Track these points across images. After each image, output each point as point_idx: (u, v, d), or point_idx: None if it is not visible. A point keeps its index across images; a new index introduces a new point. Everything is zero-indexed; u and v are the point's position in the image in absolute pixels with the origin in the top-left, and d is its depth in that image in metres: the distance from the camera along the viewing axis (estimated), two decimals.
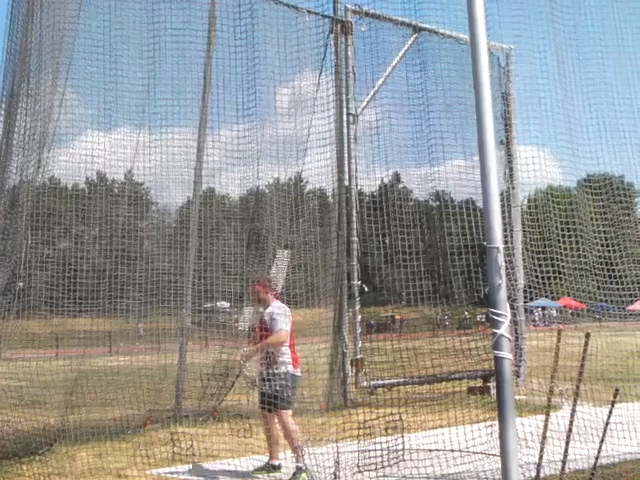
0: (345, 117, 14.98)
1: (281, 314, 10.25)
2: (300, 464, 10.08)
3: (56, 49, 12.25)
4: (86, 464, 10.24)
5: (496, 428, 6.61)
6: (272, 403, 10.08)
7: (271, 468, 10.46)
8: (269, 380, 10.14)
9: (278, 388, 10.14)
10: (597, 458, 8.01)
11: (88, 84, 13.55)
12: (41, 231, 13.66)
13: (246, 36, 12.82)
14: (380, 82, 13.39)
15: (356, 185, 15.04)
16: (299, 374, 10.54)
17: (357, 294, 14.93)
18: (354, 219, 15.11)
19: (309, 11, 13.92)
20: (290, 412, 10.21)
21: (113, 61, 12.95)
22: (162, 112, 13.33)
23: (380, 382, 12.39)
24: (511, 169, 10.79)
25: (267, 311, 10.41)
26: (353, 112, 14.92)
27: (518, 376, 10.92)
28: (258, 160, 13.18)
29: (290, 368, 10.35)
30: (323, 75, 14.09)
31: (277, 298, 10.80)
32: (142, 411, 12.80)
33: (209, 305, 16.10)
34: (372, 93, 13.67)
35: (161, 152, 13.88)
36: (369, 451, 9.35)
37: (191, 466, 10.01)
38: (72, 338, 14.98)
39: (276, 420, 10.17)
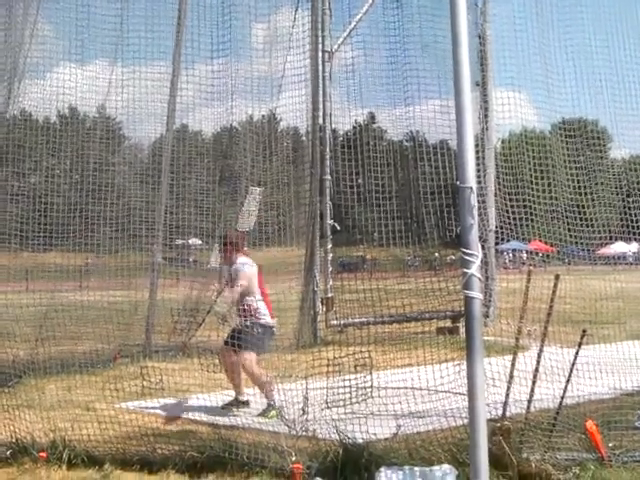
0: (320, 54, 14.85)
1: (240, 270, 10.65)
2: (270, 401, 10.16)
3: None
4: (55, 396, 10.25)
5: (464, 367, 6.68)
6: (239, 342, 10.20)
7: (240, 404, 10.55)
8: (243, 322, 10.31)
9: (250, 332, 10.25)
10: (562, 398, 8.12)
11: (60, 15, 13.31)
12: (11, 164, 13.51)
13: None
14: (357, 19, 13.24)
15: (330, 124, 14.96)
16: (272, 324, 10.69)
17: (329, 233, 14.94)
18: (327, 158, 15.06)
19: None
20: (254, 357, 10.33)
21: None
22: (135, 46, 13.13)
23: (350, 321, 12.44)
24: (486, 110, 10.74)
25: (232, 268, 10.68)
26: (329, 49, 14.80)
27: (487, 317, 11.00)
28: (232, 96, 13.04)
29: (269, 320, 10.52)
30: (299, 11, 13.93)
31: (244, 254, 10.88)
32: (112, 345, 12.81)
33: (180, 242, 16.07)
34: (348, 31, 13.51)
35: (134, 87, 13.71)
36: (338, 388, 9.43)
37: (160, 400, 10.06)
38: (42, 272, 14.89)
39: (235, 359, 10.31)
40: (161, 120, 15.44)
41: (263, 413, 10.35)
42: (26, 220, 13.72)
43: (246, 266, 10.97)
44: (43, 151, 14.78)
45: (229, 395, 10.65)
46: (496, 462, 7.22)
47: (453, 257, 10.58)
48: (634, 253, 15.39)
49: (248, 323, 10.65)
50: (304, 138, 15.04)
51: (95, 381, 10.60)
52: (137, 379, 10.21)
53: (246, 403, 10.83)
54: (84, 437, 8.88)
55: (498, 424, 7.66)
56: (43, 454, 8.62)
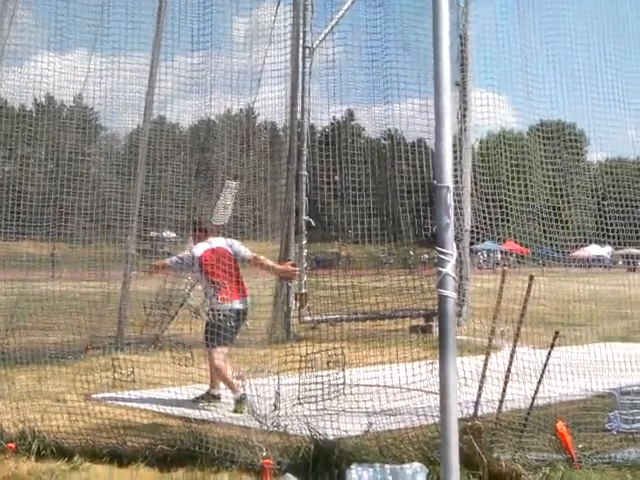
0: (301, 50, 14.81)
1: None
2: (236, 396, 10.16)
3: None
4: (25, 387, 10.19)
5: (436, 366, 6.68)
6: (207, 337, 10.20)
7: (211, 398, 10.52)
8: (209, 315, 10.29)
9: (215, 323, 10.26)
10: (534, 399, 8.16)
11: (40, 3, 13.22)
12: None
13: None
14: (339, 16, 13.22)
15: (308, 119, 14.93)
16: (239, 306, 10.63)
17: (304, 229, 14.92)
18: (305, 154, 15.04)
19: None
20: (220, 349, 10.31)
21: None
22: (115, 36, 13.05)
23: (323, 317, 12.42)
24: (465, 110, 10.76)
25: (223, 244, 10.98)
26: (309, 45, 14.76)
27: (460, 316, 11.01)
28: (211, 89, 12.99)
29: (228, 304, 10.48)
30: (281, 6, 13.90)
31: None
32: (83, 337, 12.74)
33: (154, 234, 16.01)
34: (330, 27, 13.49)
35: (112, 77, 13.64)
36: (310, 384, 9.42)
37: (131, 392, 10.01)
38: (14, 261, 14.79)
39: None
40: (138, 111, 15.39)
41: (235, 409, 10.36)
42: None
43: (196, 249, 11.21)
44: (18, 139, 14.67)
45: (201, 389, 10.62)
46: (467, 461, 7.23)
47: (428, 256, 10.60)
48: (612, 256, 15.48)
49: (208, 311, 10.65)
50: (282, 133, 15.01)
51: (66, 372, 10.53)
52: (108, 371, 10.16)
53: (217, 397, 10.81)
54: (53, 428, 8.84)
55: (469, 423, 7.69)
56: (12, 445, 8.57)
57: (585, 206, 11.28)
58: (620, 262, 16.37)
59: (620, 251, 13.01)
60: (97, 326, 13.27)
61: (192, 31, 12.30)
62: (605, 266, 14.34)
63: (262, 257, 11.32)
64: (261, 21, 13.24)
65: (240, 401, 10.35)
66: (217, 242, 11.36)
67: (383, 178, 12.24)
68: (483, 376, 8.09)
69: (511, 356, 8.12)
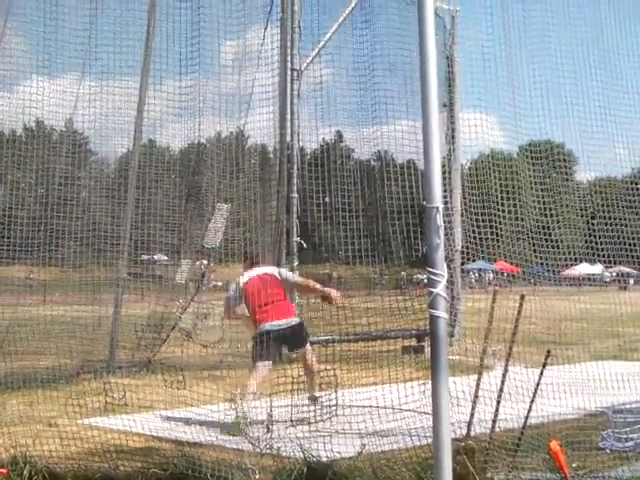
0: (289, 72, 14.86)
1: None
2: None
3: None
4: (16, 412, 10.14)
5: (429, 386, 6.68)
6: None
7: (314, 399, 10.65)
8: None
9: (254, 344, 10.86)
10: (527, 418, 8.14)
11: (28, 29, 13.28)
12: None
13: None
14: (326, 38, 13.29)
15: (298, 142, 14.97)
16: (270, 328, 10.91)
17: (295, 250, 14.93)
18: (295, 176, 15.06)
19: None
20: (260, 366, 10.61)
21: (54, 3, 12.68)
22: (104, 60, 13.10)
23: (315, 338, 12.42)
24: (453, 131, 10.81)
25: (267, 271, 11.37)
26: (297, 68, 14.81)
27: (452, 336, 11.04)
28: (200, 113, 13.04)
29: (260, 327, 10.99)
30: (269, 29, 13.97)
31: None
32: (75, 361, 12.71)
33: (146, 257, 16.01)
34: (317, 50, 13.57)
35: (102, 101, 13.68)
36: (302, 406, 9.42)
37: (123, 416, 9.97)
38: (5, 285, 14.76)
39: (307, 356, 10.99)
40: (128, 135, 15.40)
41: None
42: None
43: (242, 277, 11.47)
44: (8, 164, 14.68)
45: (191, 412, 10.55)
46: None
47: (419, 276, 10.62)
48: (610, 274, 15.51)
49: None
50: (271, 155, 15.05)
51: (57, 396, 10.49)
52: (100, 395, 10.13)
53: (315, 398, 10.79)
54: (45, 453, 8.78)
55: (462, 443, 7.67)
56: (3, 470, 8.51)
57: (575, 225, 11.33)
58: (609, 280, 16.44)
59: (611, 269, 13.06)
60: (89, 350, 13.25)
61: (180, 55, 12.38)
62: (599, 285, 14.35)
63: (311, 281, 11.72)
64: (249, 44, 13.31)
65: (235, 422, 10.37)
66: (264, 270, 11.53)
67: (373, 199, 12.28)
68: (476, 396, 8.08)
69: (503, 376, 8.12)
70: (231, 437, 9.86)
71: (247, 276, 11.42)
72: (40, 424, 9.87)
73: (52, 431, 9.52)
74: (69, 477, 8.36)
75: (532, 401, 8.20)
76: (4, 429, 9.48)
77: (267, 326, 11.00)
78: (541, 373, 8.24)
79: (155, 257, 16.46)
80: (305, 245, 15.11)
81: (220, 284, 16.28)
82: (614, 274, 14.26)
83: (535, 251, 10.04)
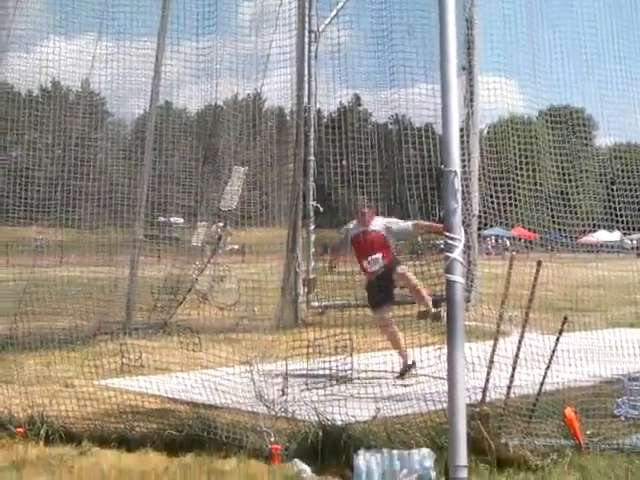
0: (307, 34, 14.76)
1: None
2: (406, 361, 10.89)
3: None
4: (33, 372, 10.21)
5: (444, 351, 6.67)
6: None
7: (408, 368, 10.97)
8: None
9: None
10: (542, 384, 8.14)
11: None
12: None
13: None
14: None
15: (315, 104, 14.91)
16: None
17: (312, 214, 14.91)
18: (312, 138, 15.01)
19: None
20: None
21: None
22: (121, 20, 13.03)
23: (331, 302, 12.44)
24: (472, 94, 10.71)
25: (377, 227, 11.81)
26: (315, 29, 14.71)
27: (469, 301, 11.00)
28: (217, 74, 12.97)
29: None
30: None
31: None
32: (92, 322, 12.75)
33: (162, 219, 16.02)
34: (335, 11, 13.44)
35: (118, 62, 13.63)
36: (317, 369, 9.43)
37: (139, 377, 10.01)
38: (23, 246, 14.81)
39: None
40: (145, 96, 15.37)
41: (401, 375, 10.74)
42: (7, 194, 13.64)
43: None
44: (25, 125, 14.67)
45: (209, 374, 10.59)
46: (475, 447, 7.22)
47: (436, 241, 10.58)
48: (630, 242, 15.40)
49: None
50: (288, 118, 14.98)
51: (74, 357, 10.54)
52: (116, 356, 10.17)
53: (413, 364, 10.87)
54: (62, 413, 8.85)
55: (477, 409, 7.67)
56: (20, 429, 8.59)
57: (594, 191, 11.24)
58: (629, 247, 16.33)
59: (630, 236, 12.97)
60: (105, 311, 13.29)
61: (197, 15, 12.29)
62: (618, 252, 14.25)
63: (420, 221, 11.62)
64: (266, 4, 13.19)
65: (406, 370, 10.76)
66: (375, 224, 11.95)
67: (390, 163, 12.21)
68: (491, 362, 8.06)
69: (519, 342, 8.10)
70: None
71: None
72: (57, 384, 9.94)
73: (69, 391, 9.59)
74: (85, 437, 8.43)
75: (548, 367, 8.19)
76: (21, 389, 9.54)
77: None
78: (557, 339, 8.22)
79: (172, 219, 16.46)
80: (322, 209, 15.09)
81: (236, 247, 16.30)
82: (634, 241, 14.16)
83: (553, 217, 9.97)
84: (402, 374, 10.92)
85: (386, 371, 10.72)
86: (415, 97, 9.39)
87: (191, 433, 8.21)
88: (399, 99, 10.04)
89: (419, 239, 12.33)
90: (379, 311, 11.49)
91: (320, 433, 7.86)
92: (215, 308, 12.16)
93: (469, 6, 11.94)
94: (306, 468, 7.41)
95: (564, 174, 10.58)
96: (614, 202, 10.35)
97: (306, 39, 14.94)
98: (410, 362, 10.84)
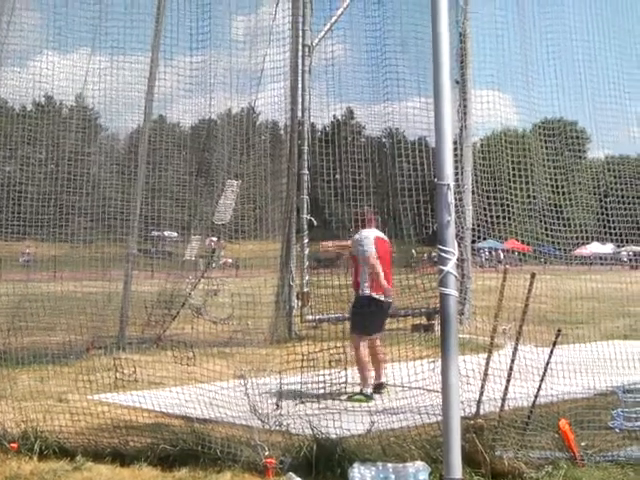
0: (301, 48, 14.80)
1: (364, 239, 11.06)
2: (365, 389, 10.40)
3: None
4: (27, 387, 10.17)
5: (439, 364, 6.67)
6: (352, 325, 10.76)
7: (379, 388, 10.71)
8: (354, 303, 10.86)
9: (362, 311, 10.75)
10: (536, 397, 8.14)
11: (39, 3, 13.24)
12: None
13: None
14: (338, 14, 13.22)
15: (309, 118, 14.93)
16: (382, 299, 10.81)
17: (306, 227, 14.92)
18: (305, 152, 15.03)
19: None
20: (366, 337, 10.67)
21: None
22: (114, 35, 13.05)
23: (325, 316, 12.42)
24: (465, 108, 10.74)
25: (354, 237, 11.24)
26: (309, 43, 14.75)
27: (462, 314, 11.02)
28: (211, 88, 12.99)
29: (368, 292, 10.85)
30: (280, 4, 13.87)
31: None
32: (85, 336, 12.71)
33: (156, 233, 16.02)
34: (329, 25, 13.50)
35: (112, 76, 13.64)
36: (312, 383, 9.42)
37: (133, 392, 9.99)
38: (16, 261, 14.79)
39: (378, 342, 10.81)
40: (139, 111, 15.38)
41: (351, 396, 10.37)
42: (0, 209, 13.63)
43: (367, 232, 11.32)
44: (18, 139, 14.66)
45: (203, 388, 10.56)
46: (469, 459, 7.22)
47: (430, 254, 10.59)
48: (627, 253, 15.41)
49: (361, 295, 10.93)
50: (282, 132, 15.00)
51: (68, 372, 10.51)
52: (110, 371, 10.15)
53: (382, 385, 10.74)
54: (56, 428, 8.82)
55: (472, 422, 7.66)
56: (14, 445, 8.55)
57: (587, 204, 11.26)
58: (625, 259, 16.35)
59: (622, 249, 12.99)
60: (99, 326, 13.26)
61: (191, 30, 12.31)
62: (613, 264, 14.29)
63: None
64: (260, 19, 13.24)
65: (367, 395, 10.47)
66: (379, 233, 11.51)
67: (384, 176, 12.23)
68: (485, 374, 8.07)
69: (513, 354, 8.10)
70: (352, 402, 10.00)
71: (373, 233, 11.35)
72: (50, 399, 9.90)
73: (62, 406, 9.55)
74: (79, 452, 8.40)
75: (542, 380, 8.19)
76: (15, 404, 9.50)
77: (381, 297, 10.98)
78: (551, 352, 8.22)
79: (165, 233, 16.46)
80: (315, 222, 15.10)
81: (230, 261, 16.29)
82: (630, 253, 14.18)
83: (546, 230, 9.99)
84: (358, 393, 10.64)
85: (381, 384, 10.72)
86: (408, 111, 9.41)
87: (185, 447, 8.18)
88: (392, 113, 10.06)
89: (413, 252, 12.34)
90: (361, 334, 10.92)
91: (314, 446, 7.84)
92: (209, 322, 12.16)
93: (462, 20, 11.99)
94: None
95: (557, 187, 10.61)
96: (607, 215, 10.38)
97: (300, 53, 14.98)
98: (371, 388, 10.66)
